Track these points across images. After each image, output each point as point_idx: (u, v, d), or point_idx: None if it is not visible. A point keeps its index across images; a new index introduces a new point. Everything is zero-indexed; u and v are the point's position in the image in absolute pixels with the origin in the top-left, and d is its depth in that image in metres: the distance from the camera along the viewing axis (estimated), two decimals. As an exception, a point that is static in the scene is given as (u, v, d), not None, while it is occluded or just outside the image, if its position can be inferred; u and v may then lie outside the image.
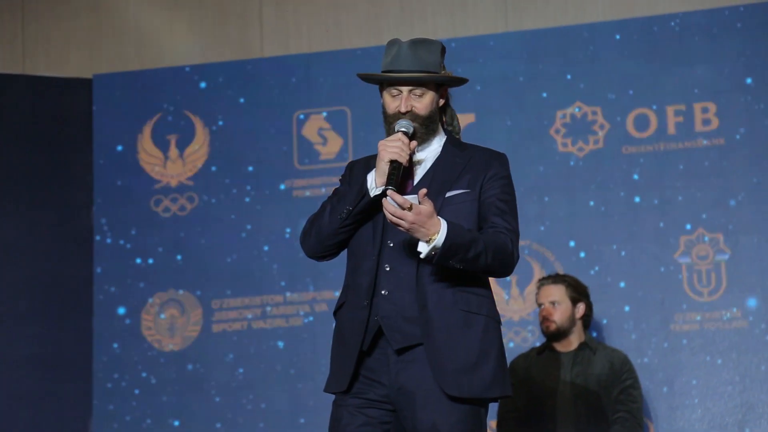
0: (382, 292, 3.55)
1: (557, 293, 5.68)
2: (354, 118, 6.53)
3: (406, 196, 3.42)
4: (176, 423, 6.46)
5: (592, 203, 6.25)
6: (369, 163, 3.67)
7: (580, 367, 5.61)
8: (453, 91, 3.77)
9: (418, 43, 3.61)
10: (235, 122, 6.64)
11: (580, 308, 5.70)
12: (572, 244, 6.23)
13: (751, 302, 6.05)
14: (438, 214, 3.46)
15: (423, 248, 3.44)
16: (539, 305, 5.73)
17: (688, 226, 6.17)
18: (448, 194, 3.58)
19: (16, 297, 6.49)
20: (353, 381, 3.58)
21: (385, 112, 3.65)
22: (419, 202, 3.41)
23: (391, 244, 3.57)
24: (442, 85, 3.67)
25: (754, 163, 6.13)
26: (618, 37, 6.35)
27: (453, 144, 3.69)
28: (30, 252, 6.54)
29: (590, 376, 5.59)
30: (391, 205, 3.41)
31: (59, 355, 6.50)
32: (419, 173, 3.64)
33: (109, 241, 6.62)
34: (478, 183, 3.60)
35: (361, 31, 6.78)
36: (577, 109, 6.35)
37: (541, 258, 6.24)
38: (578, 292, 5.70)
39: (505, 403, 5.68)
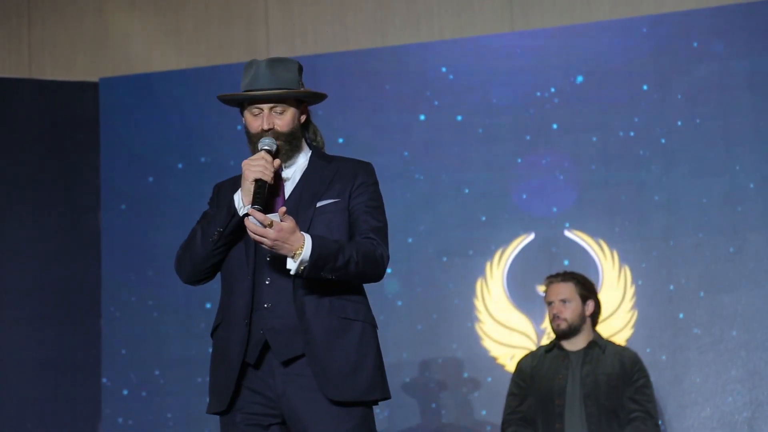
0: (265, 305, 3.61)
1: (566, 291, 5.66)
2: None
3: (268, 215, 3.47)
4: (185, 425, 6.46)
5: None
6: (236, 183, 3.71)
7: (590, 366, 5.59)
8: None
9: (275, 62, 3.68)
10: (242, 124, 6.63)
11: (590, 305, 5.69)
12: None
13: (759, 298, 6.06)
14: (310, 225, 3.58)
15: (291, 265, 3.50)
16: (548, 303, 5.71)
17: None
18: (319, 204, 3.65)
19: (25, 300, 6.49)
20: (235, 396, 3.62)
21: (248, 132, 3.71)
22: (281, 220, 3.46)
23: (268, 258, 3.62)
24: (302, 102, 3.73)
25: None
26: (626, 35, 6.35)
27: (319, 157, 3.76)
28: (38, 255, 6.54)
29: (600, 375, 5.57)
30: (252, 223, 3.47)
31: (68, 358, 6.50)
32: (288, 188, 3.70)
33: (117, 243, 6.62)
34: (346, 192, 3.68)
35: (368, 32, 6.78)
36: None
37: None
38: (587, 289, 5.69)
39: (511, 401, 5.68)
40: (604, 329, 6.07)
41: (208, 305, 6.41)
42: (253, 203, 3.52)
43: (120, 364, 6.55)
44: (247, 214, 3.51)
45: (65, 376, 6.48)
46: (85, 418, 6.50)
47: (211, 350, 3.74)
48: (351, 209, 3.67)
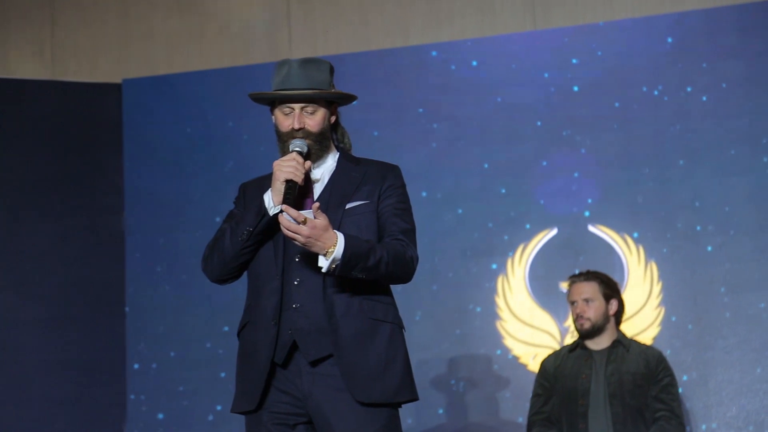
0: (293, 306, 3.62)
1: (590, 290, 5.65)
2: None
3: (301, 211, 3.49)
4: (210, 425, 6.46)
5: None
6: (262, 183, 3.73)
7: (615, 365, 5.58)
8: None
9: (308, 62, 3.70)
10: (266, 125, 6.63)
11: (613, 305, 5.67)
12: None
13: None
14: (339, 226, 3.58)
15: (323, 262, 3.51)
16: (571, 303, 5.70)
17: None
18: (348, 206, 3.67)
19: (49, 301, 6.52)
20: (264, 396, 3.63)
21: (278, 131, 3.73)
22: (314, 217, 3.48)
23: (297, 259, 3.63)
24: (332, 103, 3.75)
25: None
26: (649, 33, 6.33)
27: (347, 159, 3.78)
28: (62, 256, 6.57)
29: (625, 374, 5.55)
30: (286, 220, 3.48)
31: (92, 358, 6.52)
32: (318, 190, 3.72)
33: (140, 244, 6.64)
34: (375, 194, 3.70)
35: (389, 32, 6.78)
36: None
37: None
38: (611, 288, 5.67)
39: (536, 402, 5.67)
40: (630, 327, 6.05)
41: (232, 305, 6.41)
42: (283, 203, 3.53)
43: (144, 364, 6.56)
44: (280, 212, 3.52)
45: (89, 376, 6.50)
46: (109, 418, 6.52)
47: (237, 350, 3.74)
48: (380, 211, 3.69)
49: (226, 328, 6.40)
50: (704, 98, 6.24)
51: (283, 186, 3.57)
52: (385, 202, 3.70)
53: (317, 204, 3.51)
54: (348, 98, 3.76)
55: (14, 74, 6.93)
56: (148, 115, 6.75)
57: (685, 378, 5.98)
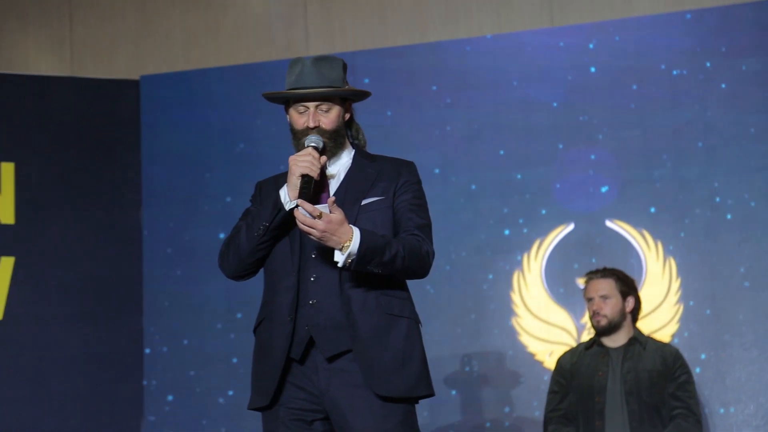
0: (310, 302, 3.63)
1: (607, 287, 5.63)
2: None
3: (316, 206, 3.50)
4: (227, 421, 6.48)
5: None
6: (278, 181, 3.75)
7: (631, 362, 5.56)
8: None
9: (321, 60, 3.71)
10: (283, 121, 6.64)
11: (630, 302, 5.66)
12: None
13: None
14: (355, 222, 3.59)
15: (339, 257, 3.52)
16: (588, 300, 5.69)
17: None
18: (364, 202, 3.68)
19: (67, 297, 6.54)
20: (279, 392, 3.64)
21: (293, 129, 3.74)
22: (330, 211, 3.49)
23: (314, 255, 3.64)
24: (346, 100, 3.76)
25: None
26: (668, 29, 6.31)
27: (362, 156, 3.79)
28: (79, 252, 6.59)
29: (642, 371, 5.54)
30: (301, 214, 3.49)
31: (110, 354, 6.54)
32: (333, 186, 3.73)
33: (158, 240, 6.66)
34: (390, 190, 3.71)
35: (406, 28, 6.77)
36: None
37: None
38: (627, 285, 5.66)
39: (552, 399, 5.66)
40: (648, 324, 6.04)
41: (249, 302, 6.42)
42: (299, 197, 3.54)
43: (161, 360, 6.58)
44: (296, 206, 3.53)
45: (107, 372, 6.52)
46: (126, 414, 6.54)
47: (253, 346, 3.75)
48: (395, 208, 3.70)
49: (244, 322, 6.40)
50: (724, 95, 6.22)
51: (299, 181, 3.58)
52: (401, 198, 3.70)
53: (333, 198, 3.52)
54: (362, 95, 3.78)
55: (33, 71, 6.95)
56: (166, 111, 6.77)
57: (702, 376, 5.96)
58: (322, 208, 3.49)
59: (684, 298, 6.16)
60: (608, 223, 6.29)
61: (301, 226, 3.50)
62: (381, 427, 3.57)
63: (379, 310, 3.61)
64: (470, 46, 6.54)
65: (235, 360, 6.50)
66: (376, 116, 6.41)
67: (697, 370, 5.87)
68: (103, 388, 6.50)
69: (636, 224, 6.25)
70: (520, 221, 6.35)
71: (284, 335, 3.62)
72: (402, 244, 3.59)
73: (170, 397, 6.55)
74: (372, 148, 3.87)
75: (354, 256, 3.50)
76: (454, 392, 6.33)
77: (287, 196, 3.62)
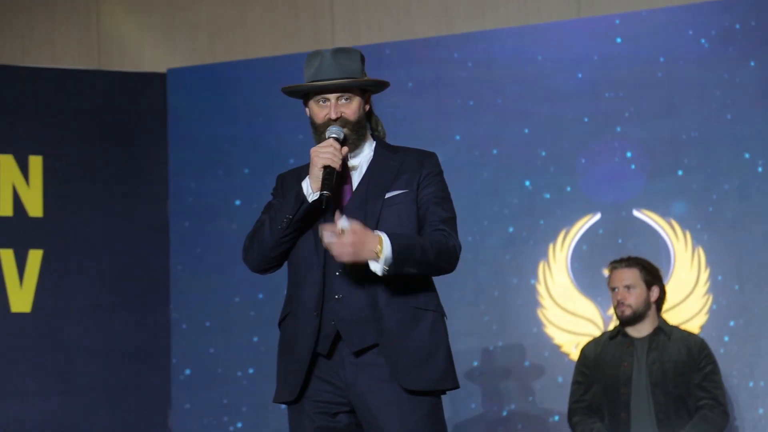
0: (336, 296, 3.61)
1: (631, 277, 5.61)
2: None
3: (327, 223, 3.49)
4: (255, 413, 6.50)
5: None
6: (300, 173, 3.73)
7: (656, 353, 5.54)
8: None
9: (339, 52, 3.69)
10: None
11: (655, 291, 5.63)
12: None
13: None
14: (379, 216, 3.58)
15: (375, 267, 3.50)
16: (612, 289, 5.66)
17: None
18: (388, 195, 3.65)
19: (95, 289, 6.57)
20: (305, 386, 3.63)
21: (314, 123, 3.72)
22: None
23: None
24: (366, 91, 3.74)
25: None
26: (697, 20, 6.27)
27: (384, 147, 3.76)
28: (107, 245, 6.61)
29: (667, 362, 5.51)
30: (328, 237, 3.46)
31: (138, 346, 6.57)
32: (356, 178, 3.70)
33: (184, 232, 6.68)
34: (414, 182, 3.68)
35: (433, 20, 6.77)
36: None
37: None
38: (652, 275, 5.63)
39: (576, 390, 5.64)
40: (677, 315, 6.01)
41: (275, 295, 6.42)
42: (321, 190, 3.54)
43: (189, 352, 6.60)
44: (320, 199, 3.53)
45: (135, 364, 6.54)
46: (155, 405, 6.56)
47: (278, 340, 3.75)
48: (419, 201, 3.68)
49: (270, 315, 6.39)
50: (753, 87, 6.18)
51: (321, 172, 3.57)
52: (425, 191, 3.68)
53: (338, 212, 3.51)
54: (382, 85, 3.76)
55: (60, 64, 6.98)
56: (193, 104, 6.79)
57: (729, 367, 5.93)
58: (330, 227, 3.47)
59: (712, 289, 6.12)
60: (636, 213, 6.26)
61: (332, 248, 3.47)
62: (408, 420, 3.57)
63: (404, 304, 3.61)
64: (497, 36, 6.52)
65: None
66: (402, 108, 6.41)
67: (724, 361, 5.82)
68: (131, 379, 6.53)
69: (664, 214, 6.22)
70: (546, 211, 6.33)
71: (310, 330, 3.62)
72: (429, 240, 3.58)
73: (195, 380, 6.57)
74: (398, 141, 3.86)
75: (390, 260, 3.48)
76: (478, 384, 6.32)
77: (310, 188, 3.61)
